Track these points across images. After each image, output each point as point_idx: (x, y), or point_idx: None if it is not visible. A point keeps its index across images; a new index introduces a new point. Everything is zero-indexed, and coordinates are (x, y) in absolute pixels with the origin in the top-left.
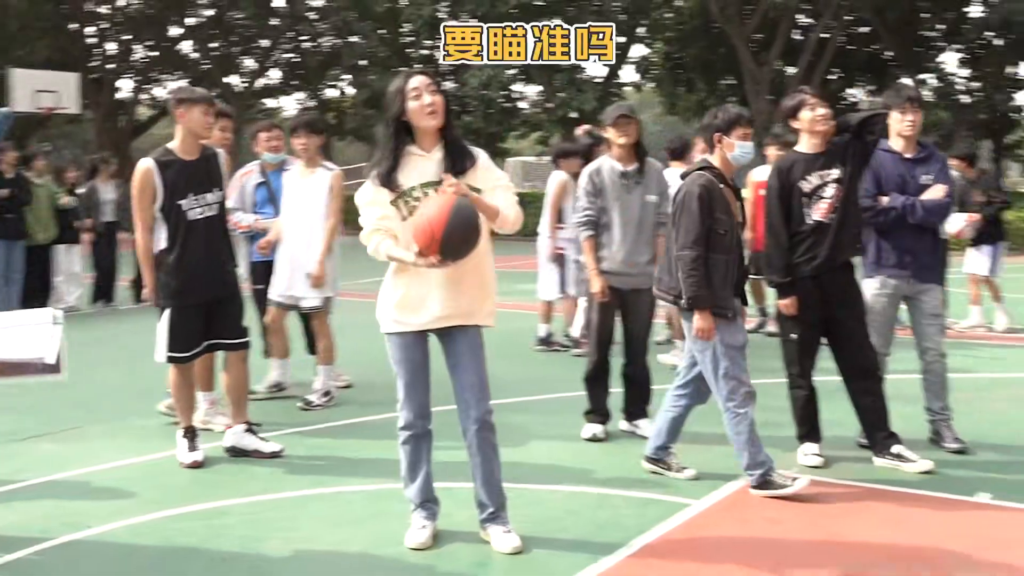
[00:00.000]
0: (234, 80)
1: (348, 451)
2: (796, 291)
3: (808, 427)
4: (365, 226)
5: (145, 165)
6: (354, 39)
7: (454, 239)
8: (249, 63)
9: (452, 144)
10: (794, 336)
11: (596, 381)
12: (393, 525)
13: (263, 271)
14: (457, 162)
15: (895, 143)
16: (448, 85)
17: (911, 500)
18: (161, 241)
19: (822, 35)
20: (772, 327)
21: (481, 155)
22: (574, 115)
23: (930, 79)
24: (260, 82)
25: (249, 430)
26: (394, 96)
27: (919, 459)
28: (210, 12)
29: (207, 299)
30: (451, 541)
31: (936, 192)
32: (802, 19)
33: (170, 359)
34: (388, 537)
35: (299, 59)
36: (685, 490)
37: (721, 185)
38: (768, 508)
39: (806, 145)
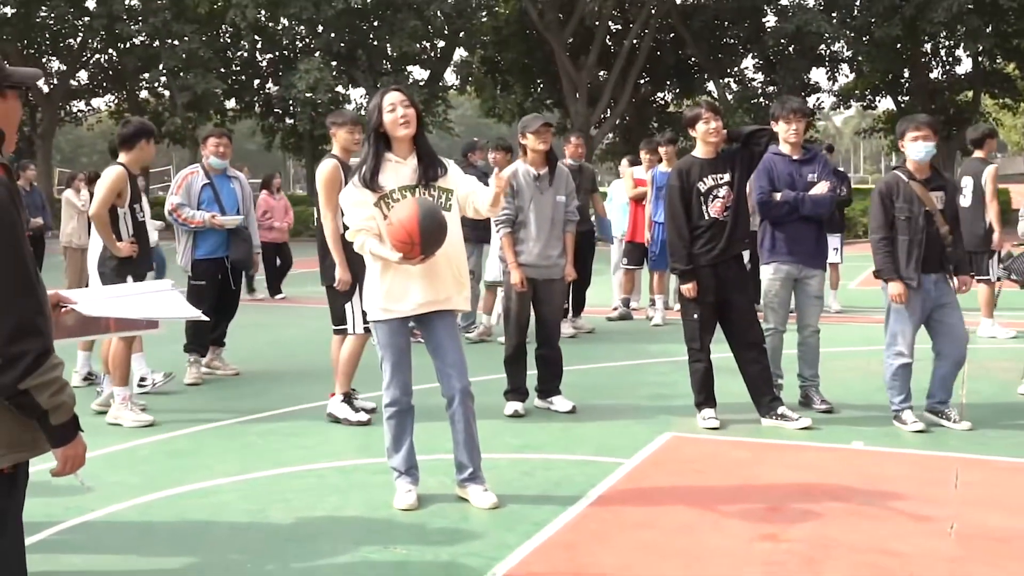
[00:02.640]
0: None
1: (300, 435)
2: (696, 277)
3: (705, 395)
4: (352, 225)
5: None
6: (173, 41)
7: (429, 236)
8: (57, 64)
9: (425, 153)
10: (695, 316)
11: (515, 363)
12: (375, 493)
13: (205, 268)
14: (430, 168)
15: (783, 147)
16: (272, 88)
17: (801, 450)
18: None
19: (633, 41)
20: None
21: (451, 164)
22: None
23: (732, 84)
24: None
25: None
26: (373, 110)
27: (800, 417)
28: (10, 10)
29: None
30: (433, 503)
31: (821, 187)
32: (615, 26)
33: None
34: (376, 503)
35: (113, 60)
36: (616, 451)
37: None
38: (690, 462)
39: (701, 151)
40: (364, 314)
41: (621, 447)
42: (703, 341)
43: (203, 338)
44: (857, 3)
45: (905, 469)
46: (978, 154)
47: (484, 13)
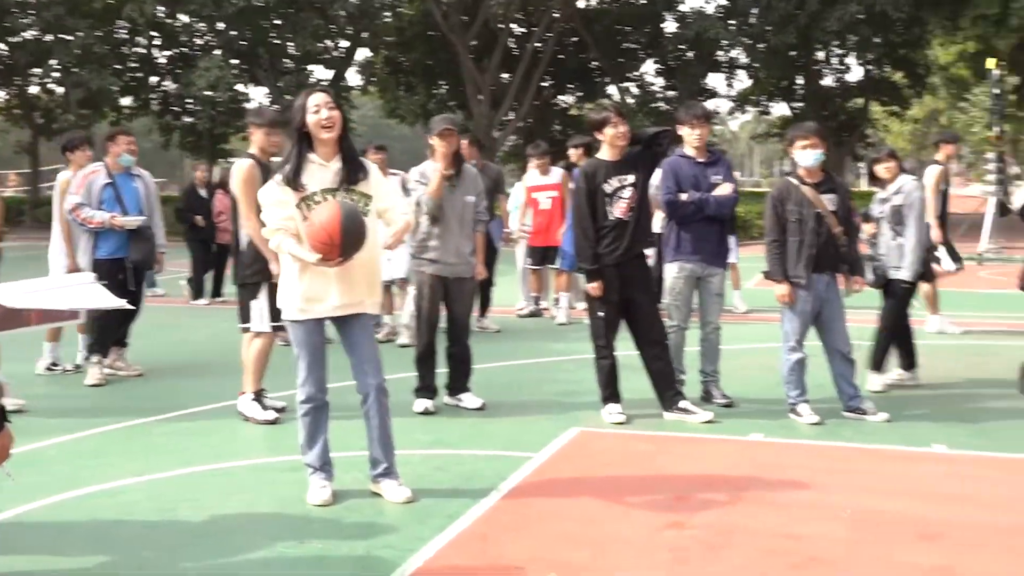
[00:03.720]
0: None
1: (207, 434)
2: (601, 276)
3: (611, 390)
4: (269, 223)
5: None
6: (67, 36)
7: (349, 239)
8: None
9: (349, 156)
10: (600, 314)
11: (426, 361)
12: (287, 490)
13: (106, 268)
14: (352, 173)
15: (688, 150)
16: (170, 85)
17: (703, 443)
18: None
19: (537, 44)
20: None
21: (373, 168)
22: None
23: (632, 88)
24: None
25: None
26: (298, 109)
27: (701, 411)
28: None
29: None
30: (348, 498)
31: (724, 189)
32: (519, 29)
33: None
34: (288, 499)
35: (3, 55)
36: (525, 446)
37: None
38: (597, 455)
39: (608, 154)
40: (270, 313)
41: (530, 442)
42: (608, 338)
43: (106, 339)
44: (754, 11)
45: (801, 459)
46: (937, 157)
47: (388, 14)
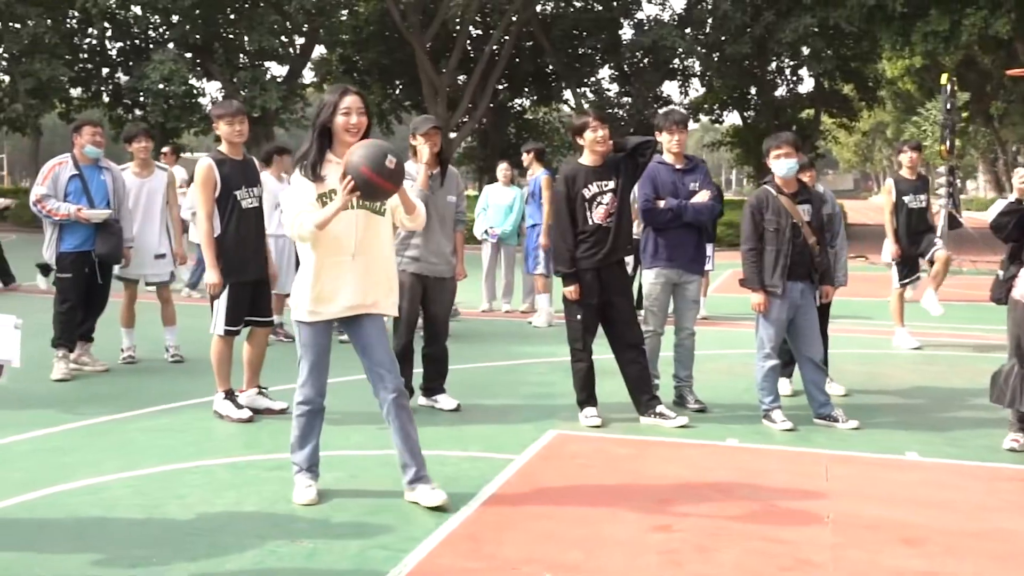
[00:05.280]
0: None
1: (184, 431)
2: (579, 280)
3: (587, 393)
4: (290, 210)
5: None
6: (15, 24)
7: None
8: None
9: None
10: (578, 318)
11: (402, 361)
12: (271, 488)
13: (71, 261)
14: None
15: (667, 157)
16: (122, 78)
17: (680, 447)
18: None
19: (495, 48)
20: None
21: None
22: (257, 114)
23: (588, 93)
24: None
25: (260, 393)
26: (327, 106)
27: (677, 416)
28: None
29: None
30: (333, 498)
31: (703, 196)
32: (476, 31)
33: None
34: (274, 498)
35: None
36: (505, 448)
37: None
38: (576, 458)
39: (588, 159)
40: (225, 316)
41: (509, 444)
42: (585, 342)
43: (71, 333)
44: (710, 20)
45: (779, 464)
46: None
47: (344, 11)
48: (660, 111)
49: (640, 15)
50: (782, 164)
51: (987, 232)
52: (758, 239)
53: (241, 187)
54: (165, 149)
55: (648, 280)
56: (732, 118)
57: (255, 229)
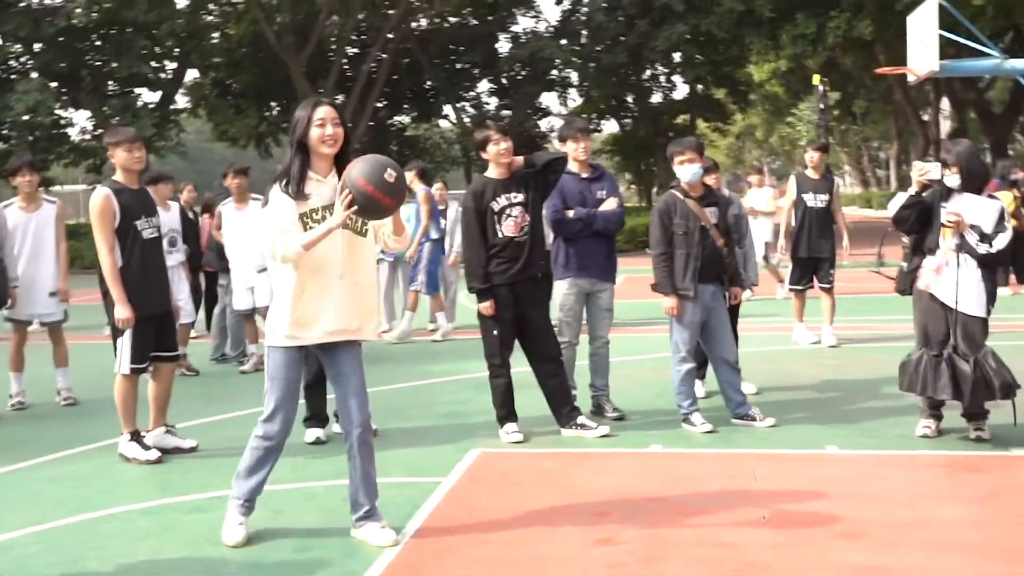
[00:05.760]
0: None
1: (92, 478)
2: (494, 295)
3: (507, 409)
4: (271, 231)
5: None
6: None
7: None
8: None
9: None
10: (494, 333)
11: (315, 389)
12: (192, 532)
13: None
14: None
15: (572, 166)
16: None
17: (606, 457)
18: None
19: (372, 66)
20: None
21: None
22: None
23: (468, 107)
24: None
25: (168, 431)
26: (301, 121)
27: (598, 426)
28: None
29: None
30: (264, 538)
31: (610, 204)
32: (352, 50)
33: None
34: (197, 542)
35: None
36: (430, 471)
37: None
38: (505, 476)
39: (494, 172)
40: (131, 353)
41: (433, 467)
42: (503, 357)
43: None
44: (584, 32)
45: (707, 468)
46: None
47: (216, 34)
48: (562, 122)
49: (515, 28)
50: (687, 170)
51: (861, 226)
52: (668, 243)
53: (141, 217)
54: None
55: (561, 291)
56: (610, 127)
57: (157, 260)
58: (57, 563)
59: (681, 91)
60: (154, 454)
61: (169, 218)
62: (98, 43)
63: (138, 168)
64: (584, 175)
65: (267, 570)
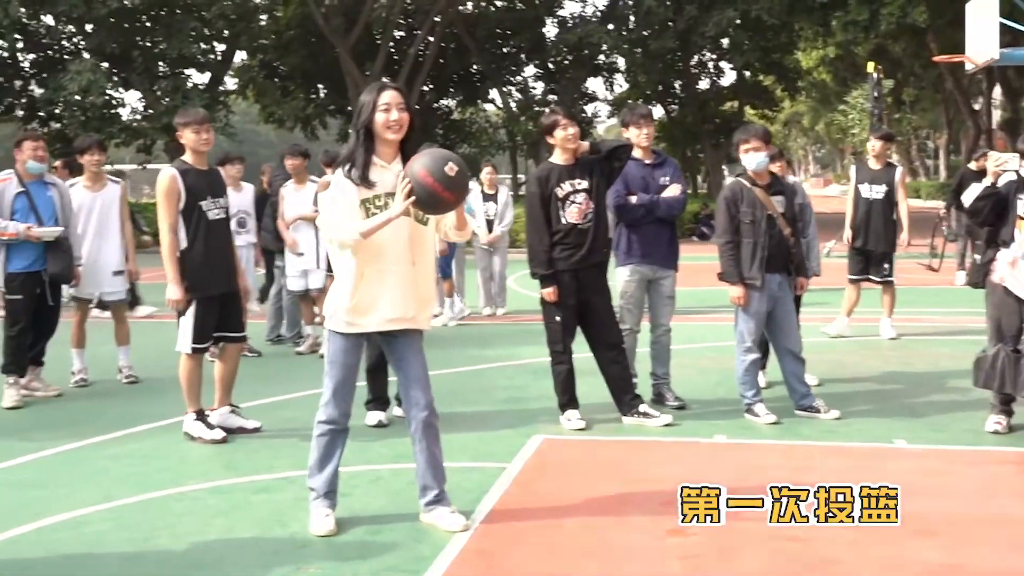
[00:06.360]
0: None
1: (156, 456)
2: (556, 281)
3: (569, 396)
4: (332, 216)
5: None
6: None
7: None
8: None
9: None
10: (557, 319)
11: (376, 372)
12: (261, 512)
13: (21, 282)
14: None
15: (635, 152)
16: (37, 90)
17: (670, 446)
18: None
19: (419, 49)
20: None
21: None
22: None
23: (515, 92)
24: None
25: (233, 411)
26: (367, 105)
27: (660, 415)
28: None
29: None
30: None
31: (674, 190)
32: (400, 34)
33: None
34: (267, 522)
35: None
36: (494, 456)
37: None
38: (570, 463)
39: (560, 158)
40: (194, 333)
41: (497, 452)
42: (565, 343)
43: (22, 358)
44: (632, 16)
45: (774, 459)
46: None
47: (264, 16)
48: (626, 107)
49: (562, 12)
50: (751, 158)
51: (918, 217)
52: (734, 232)
53: (207, 198)
54: (57, 163)
55: (623, 277)
56: (656, 112)
57: (222, 241)
58: (129, 540)
59: (728, 77)
60: (219, 433)
61: (240, 199)
62: (148, 24)
63: (206, 149)
64: (647, 161)
65: (337, 552)
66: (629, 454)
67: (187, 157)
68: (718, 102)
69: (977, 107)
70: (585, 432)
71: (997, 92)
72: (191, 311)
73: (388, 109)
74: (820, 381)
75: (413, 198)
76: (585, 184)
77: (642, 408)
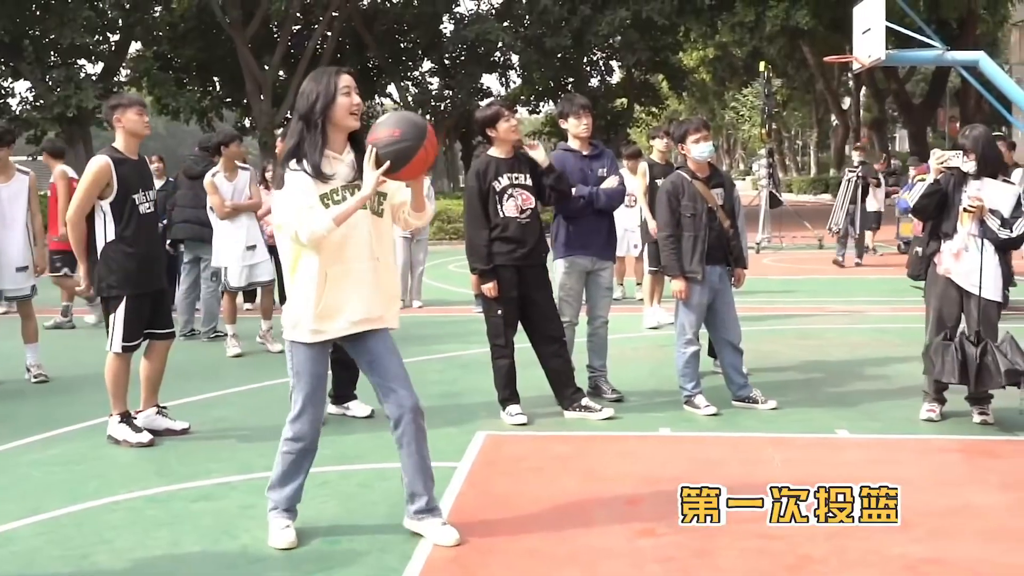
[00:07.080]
0: None
1: (83, 462)
2: (497, 276)
3: (510, 391)
4: (293, 213)
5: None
6: None
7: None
8: None
9: (362, 148)
10: (498, 313)
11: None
12: (206, 522)
13: None
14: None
15: (573, 143)
16: None
17: (618, 440)
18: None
19: (318, 44)
20: None
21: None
22: (72, 113)
23: (411, 87)
24: None
25: (160, 412)
26: (326, 89)
27: (602, 408)
28: None
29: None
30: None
31: (611, 181)
32: (299, 27)
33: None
34: (213, 534)
35: None
36: (440, 455)
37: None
38: (520, 460)
39: (499, 151)
40: (123, 331)
41: (443, 450)
42: (507, 337)
43: None
44: (528, 15)
45: (724, 452)
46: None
47: (159, 7)
48: (561, 98)
49: (459, 10)
50: (701, 148)
51: (804, 209)
52: (675, 226)
53: (139, 190)
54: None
55: (561, 269)
56: (549, 108)
57: (153, 235)
58: (64, 558)
59: (617, 75)
60: (146, 436)
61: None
62: (39, 13)
63: (146, 133)
64: (585, 152)
65: (297, 564)
66: (579, 450)
67: (120, 145)
68: (608, 99)
69: (845, 107)
70: (528, 427)
71: (864, 93)
72: (121, 308)
73: (349, 92)
74: (748, 371)
75: (385, 166)
76: (522, 179)
77: (583, 402)
